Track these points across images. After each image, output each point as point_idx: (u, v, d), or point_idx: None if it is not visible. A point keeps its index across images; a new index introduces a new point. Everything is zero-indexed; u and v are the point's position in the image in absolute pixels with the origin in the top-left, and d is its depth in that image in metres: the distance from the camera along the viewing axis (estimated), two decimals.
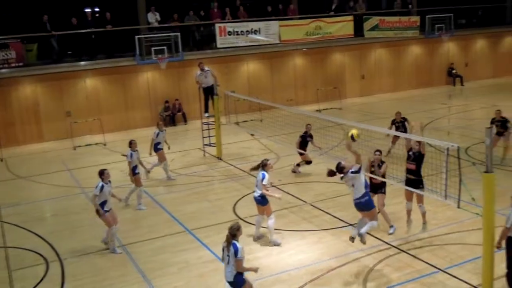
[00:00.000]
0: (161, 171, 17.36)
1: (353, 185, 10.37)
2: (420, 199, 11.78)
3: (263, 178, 11.66)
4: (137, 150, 14.84)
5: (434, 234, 11.95)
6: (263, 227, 12.07)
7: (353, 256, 11.11)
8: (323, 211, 13.80)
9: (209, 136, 19.88)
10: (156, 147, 16.96)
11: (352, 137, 10.58)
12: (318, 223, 13.03)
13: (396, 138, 17.26)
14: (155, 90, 26.41)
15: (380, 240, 11.60)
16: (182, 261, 11.39)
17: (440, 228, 12.24)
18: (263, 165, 11.90)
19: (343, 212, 13.51)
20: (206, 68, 19.69)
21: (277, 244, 11.74)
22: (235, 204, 14.63)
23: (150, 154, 16.98)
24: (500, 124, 16.48)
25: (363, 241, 10.48)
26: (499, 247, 9.05)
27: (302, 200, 14.68)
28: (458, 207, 9.96)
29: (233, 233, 8.65)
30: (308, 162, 16.93)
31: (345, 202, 14.01)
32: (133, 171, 14.65)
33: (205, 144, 20.05)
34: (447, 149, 9.87)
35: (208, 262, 11.30)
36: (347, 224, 12.75)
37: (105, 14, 25.12)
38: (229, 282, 8.73)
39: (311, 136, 16.80)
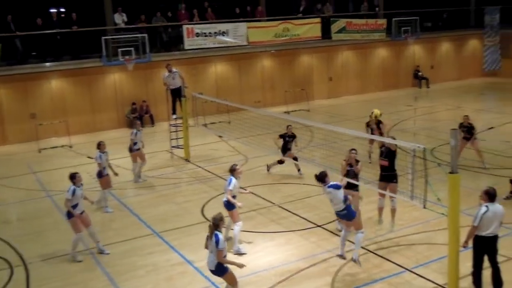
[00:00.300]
0: (129, 173, 17.19)
1: (331, 200, 10.44)
2: (393, 191, 11.74)
3: (229, 183, 11.63)
4: (106, 152, 14.64)
5: (400, 234, 12.08)
6: (232, 229, 12.02)
7: (321, 257, 11.17)
8: (291, 212, 13.82)
9: (176, 138, 19.79)
10: (133, 148, 16.78)
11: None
12: (287, 225, 13.05)
13: (372, 140, 17.37)
14: (122, 91, 26.15)
15: (348, 241, 11.64)
16: (150, 264, 11.29)
17: (406, 228, 12.38)
18: (231, 170, 11.85)
19: (311, 213, 13.58)
20: (174, 70, 19.63)
21: (240, 254, 11.49)
22: (203, 206, 14.56)
23: None
24: (466, 130, 16.63)
25: (359, 265, 10.51)
26: (465, 246, 9.18)
27: (271, 202, 14.68)
28: (424, 207, 10.10)
29: (216, 223, 8.74)
30: (280, 162, 16.88)
31: (313, 203, 14.11)
32: (101, 173, 14.47)
33: (173, 146, 19.96)
34: (414, 150, 9.99)
35: (176, 264, 11.22)
36: (315, 225, 12.81)
37: (71, 15, 24.76)
38: (211, 271, 8.78)
39: (291, 137, 16.53)
